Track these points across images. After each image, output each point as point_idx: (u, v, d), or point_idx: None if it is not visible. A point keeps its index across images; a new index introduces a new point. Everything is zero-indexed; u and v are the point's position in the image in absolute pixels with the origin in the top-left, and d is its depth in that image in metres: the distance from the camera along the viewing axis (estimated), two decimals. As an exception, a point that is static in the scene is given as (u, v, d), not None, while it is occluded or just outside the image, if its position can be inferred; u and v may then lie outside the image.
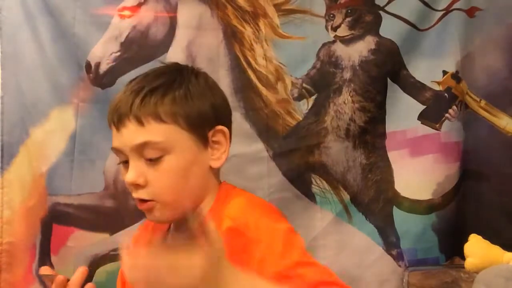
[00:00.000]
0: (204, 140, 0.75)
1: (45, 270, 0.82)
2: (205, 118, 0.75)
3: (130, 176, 0.71)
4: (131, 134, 0.71)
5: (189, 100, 0.74)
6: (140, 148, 0.71)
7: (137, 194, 0.72)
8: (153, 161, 0.71)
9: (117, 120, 0.72)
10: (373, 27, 1.30)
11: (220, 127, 0.76)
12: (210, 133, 0.75)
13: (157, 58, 1.25)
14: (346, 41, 1.29)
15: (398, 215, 1.32)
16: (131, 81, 0.77)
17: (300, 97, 1.30)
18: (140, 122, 0.71)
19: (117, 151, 0.74)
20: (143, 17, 1.24)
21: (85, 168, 1.25)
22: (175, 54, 1.25)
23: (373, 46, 1.29)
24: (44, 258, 1.24)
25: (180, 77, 0.76)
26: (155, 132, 0.71)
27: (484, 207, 1.31)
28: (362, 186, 1.31)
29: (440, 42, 1.30)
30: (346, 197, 1.31)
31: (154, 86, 0.74)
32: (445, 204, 1.31)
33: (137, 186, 0.71)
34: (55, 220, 1.25)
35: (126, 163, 0.73)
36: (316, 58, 1.30)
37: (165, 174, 0.71)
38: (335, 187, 1.31)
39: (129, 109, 0.71)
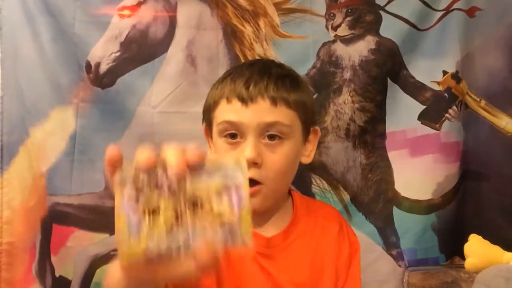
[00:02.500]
0: (307, 135, 0.81)
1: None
2: (312, 113, 0.82)
3: (250, 153, 0.72)
4: (263, 112, 0.74)
5: (305, 94, 0.80)
6: (267, 127, 0.74)
7: (249, 174, 0.75)
8: (273, 143, 0.74)
9: (248, 96, 0.74)
10: (373, 27, 1.30)
11: (317, 127, 0.83)
12: (311, 130, 0.81)
13: (156, 57, 1.25)
14: (346, 40, 1.29)
15: (398, 215, 1.32)
16: (250, 64, 0.81)
17: (300, 97, 1.30)
18: (274, 103, 0.74)
19: (233, 124, 0.74)
20: (142, 16, 1.24)
21: (85, 168, 1.25)
22: (175, 54, 1.25)
23: (373, 46, 1.29)
24: (44, 258, 1.24)
25: (294, 72, 0.84)
26: (285, 114, 0.75)
27: (484, 207, 1.31)
28: (362, 186, 1.31)
29: (440, 42, 1.30)
30: (346, 197, 1.31)
31: (283, 74, 0.78)
32: (445, 204, 1.32)
33: (253, 165, 0.73)
34: (55, 220, 1.25)
35: (233, 142, 0.75)
36: (316, 57, 1.30)
37: (280, 157, 0.75)
38: (335, 187, 1.31)
39: (265, 89, 0.74)
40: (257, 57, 1.27)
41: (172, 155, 0.43)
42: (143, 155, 0.42)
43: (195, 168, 0.43)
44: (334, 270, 0.81)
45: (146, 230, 0.43)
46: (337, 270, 0.81)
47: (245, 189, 0.44)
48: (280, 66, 0.83)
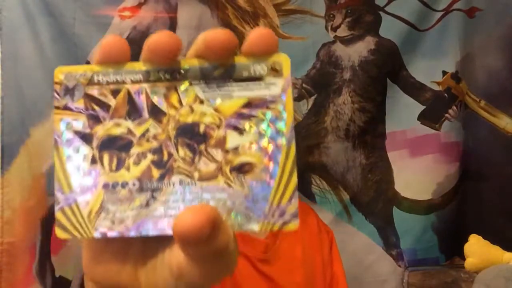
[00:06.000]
0: None
1: None
2: None
3: None
4: None
5: None
6: None
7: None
8: None
9: None
10: (373, 28, 1.30)
11: None
12: None
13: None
14: (346, 41, 1.30)
15: (398, 215, 1.32)
16: None
17: (300, 97, 1.30)
18: None
19: None
20: (143, 17, 1.24)
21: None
22: (175, 54, 1.25)
23: (372, 47, 1.29)
24: (44, 258, 1.24)
25: None
26: None
27: (484, 207, 1.32)
28: (362, 186, 1.31)
29: (440, 42, 1.30)
30: (346, 197, 1.31)
31: None
32: (445, 204, 1.32)
33: None
34: (55, 220, 1.25)
35: None
36: (316, 58, 1.30)
37: None
38: (335, 187, 1.31)
39: None
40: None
41: (163, 36, 0.26)
42: (107, 42, 0.27)
43: (204, 71, 0.26)
44: (321, 263, 0.82)
45: (100, 192, 0.26)
46: (323, 262, 0.82)
47: (288, 113, 0.27)
48: None
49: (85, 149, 0.26)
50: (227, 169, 0.26)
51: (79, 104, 0.27)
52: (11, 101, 1.23)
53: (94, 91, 0.27)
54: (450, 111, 1.31)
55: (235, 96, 0.26)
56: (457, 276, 1.20)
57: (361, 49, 1.29)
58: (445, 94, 1.31)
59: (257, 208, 0.25)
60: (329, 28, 1.29)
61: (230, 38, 0.26)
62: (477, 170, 1.33)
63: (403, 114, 1.32)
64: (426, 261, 1.31)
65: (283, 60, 0.27)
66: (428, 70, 1.31)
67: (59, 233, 0.27)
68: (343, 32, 1.29)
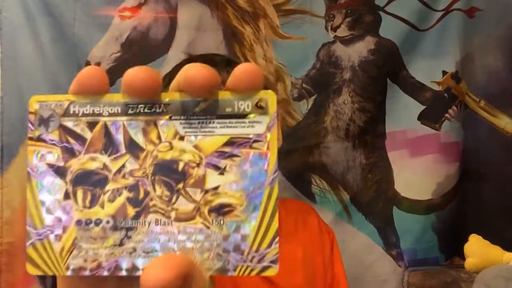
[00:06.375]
0: None
1: None
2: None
3: None
4: None
5: None
6: None
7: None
8: None
9: None
10: (373, 28, 1.30)
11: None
12: None
13: (157, 58, 1.25)
14: (346, 41, 1.30)
15: (398, 215, 1.32)
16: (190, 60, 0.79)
17: (300, 98, 1.30)
18: None
19: None
20: (143, 17, 1.24)
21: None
22: (175, 55, 1.25)
23: (372, 47, 1.29)
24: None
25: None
26: None
27: (484, 207, 1.32)
28: (362, 186, 1.31)
29: (440, 42, 1.30)
30: (346, 197, 1.31)
31: (227, 58, 0.80)
32: (445, 204, 1.32)
33: None
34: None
35: None
36: (316, 58, 1.30)
37: None
38: (335, 187, 1.31)
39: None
40: (258, 59, 1.27)
41: (139, 72, 0.26)
42: (85, 73, 0.26)
43: (185, 106, 0.25)
44: (321, 264, 0.82)
45: (72, 229, 0.25)
46: (324, 263, 0.82)
47: (272, 152, 0.25)
48: (217, 54, 0.83)
49: (58, 183, 0.25)
50: (205, 210, 0.25)
51: (54, 135, 0.26)
52: (11, 101, 1.23)
53: (70, 123, 0.26)
54: (450, 111, 1.31)
55: (217, 133, 0.25)
56: (457, 276, 1.20)
57: (361, 49, 1.29)
58: (445, 94, 1.31)
59: (235, 251, 0.25)
60: (329, 28, 1.29)
61: (211, 75, 0.25)
62: (477, 170, 1.33)
63: (403, 114, 1.32)
64: (426, 261, 1.31)
65: (269, 97, 0.25)
66: (428, 70, 1.31)
67: (30, 269, 0.25)
68: (343, 32, 1.29)
